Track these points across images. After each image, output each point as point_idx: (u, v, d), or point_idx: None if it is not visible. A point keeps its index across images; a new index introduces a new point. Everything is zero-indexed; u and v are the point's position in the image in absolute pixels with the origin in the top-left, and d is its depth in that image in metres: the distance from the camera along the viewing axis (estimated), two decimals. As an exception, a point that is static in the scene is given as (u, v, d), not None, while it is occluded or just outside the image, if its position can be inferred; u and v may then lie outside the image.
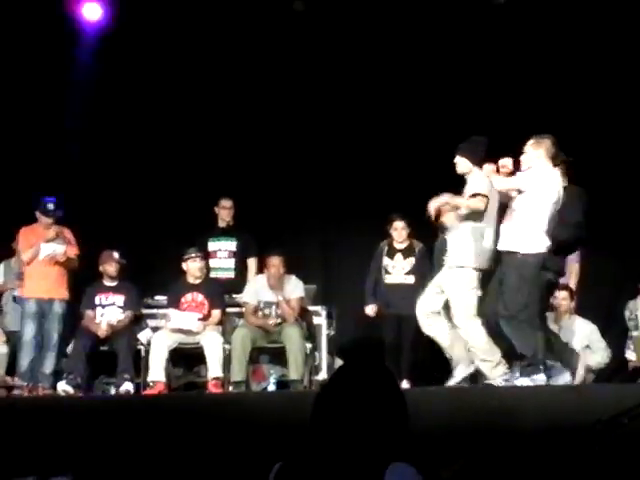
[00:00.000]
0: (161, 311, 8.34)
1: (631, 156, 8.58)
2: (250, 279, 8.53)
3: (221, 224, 8.87)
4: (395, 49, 9.19)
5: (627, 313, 8.21)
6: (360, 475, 2.06)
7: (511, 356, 6.59)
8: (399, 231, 8.18)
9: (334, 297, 8.84)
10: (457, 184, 6.82)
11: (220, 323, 8.11)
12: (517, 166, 6.84)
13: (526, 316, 6.39)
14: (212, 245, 8.75)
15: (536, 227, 6.43)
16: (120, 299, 8.13)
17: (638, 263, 6.88)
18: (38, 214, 8.06)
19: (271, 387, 7.82)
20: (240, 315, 8.28)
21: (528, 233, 6.43)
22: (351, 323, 8.68)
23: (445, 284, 6.71)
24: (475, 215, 6.60)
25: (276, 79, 9.34)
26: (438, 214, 6.81)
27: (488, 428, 4.77)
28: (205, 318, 8.01)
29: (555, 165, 6.51)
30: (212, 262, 8.64)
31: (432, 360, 7.51)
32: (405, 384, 7.47)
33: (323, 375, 7.95)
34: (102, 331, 7.90)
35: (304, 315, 8.18)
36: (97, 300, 8.12)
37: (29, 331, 7.89)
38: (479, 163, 6.69)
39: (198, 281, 8.17)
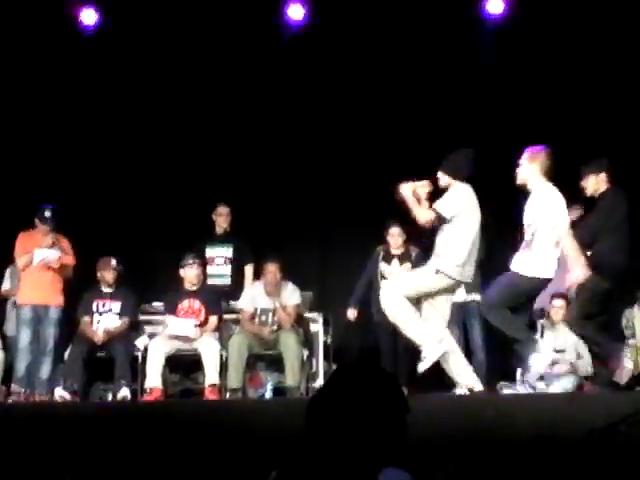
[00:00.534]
0: (158, 317, 8.35)
1: (631, 159, 8.58)
2: (247, 286, 8.54)
3: (218, 231, 8.88)
4: (391, 60, 9.26)
5: (624, 321, 8.23)
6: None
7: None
8: (395, 237, 8.21)
9: (331, 304, 8.85)
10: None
11: (217, 330, 8.11)
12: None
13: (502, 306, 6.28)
14: (209, 252, 8.76)
15: (540, 252, 6.26)
16: (117, 306, 8.13)
17: (634, 271, 6.89)
18: (36, 221, 8.08)
19: (268, 394, 7.81)
20: (237, 322, 8.28)
21: (531, 257, 6.27)
22: (348, 330, 8.69)
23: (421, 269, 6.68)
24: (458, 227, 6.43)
25: (272, 86, 9.37)
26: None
27: (484, 436, 4.77)
28: (202, 325, 8.01)
29: (549, 179, 6.39)
30: (209, 269, 8.65)
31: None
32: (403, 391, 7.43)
33: (320, 382, 7.95)
34: (99, 337, 7.90)
35: (301, 322, 8.19)
36: (94, 306, 8.11)
37: (25, 337, 7.90)
38: (461, 177, 6.49)
39: (195, 288, 8.18)
